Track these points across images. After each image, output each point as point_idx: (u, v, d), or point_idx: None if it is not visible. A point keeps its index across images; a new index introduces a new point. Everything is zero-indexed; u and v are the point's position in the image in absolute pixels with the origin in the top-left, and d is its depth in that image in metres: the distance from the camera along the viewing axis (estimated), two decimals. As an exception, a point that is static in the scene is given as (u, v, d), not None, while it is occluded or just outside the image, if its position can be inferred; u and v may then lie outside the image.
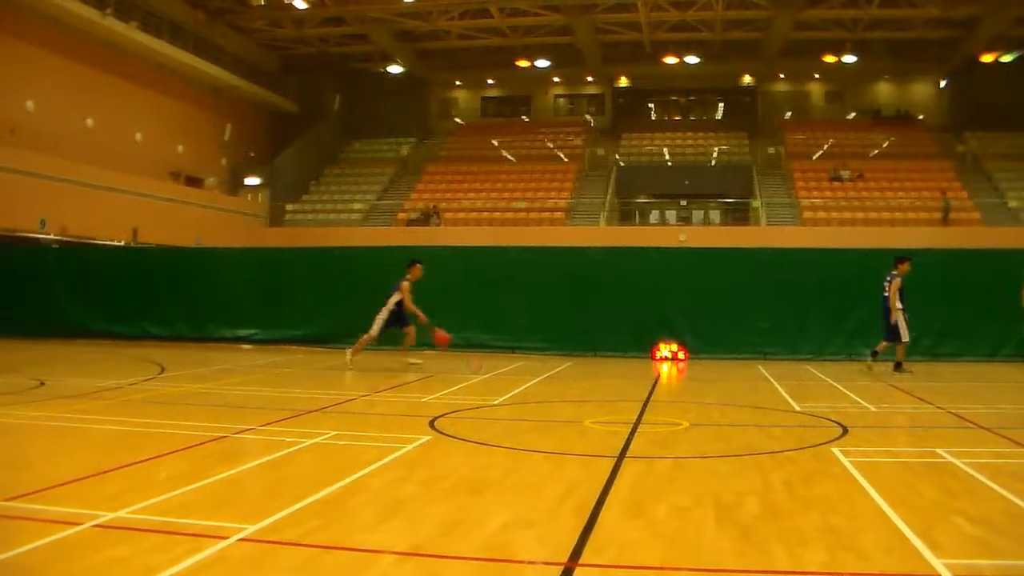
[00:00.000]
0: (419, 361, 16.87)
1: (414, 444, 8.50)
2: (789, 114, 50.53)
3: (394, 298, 16.51)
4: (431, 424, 9.77)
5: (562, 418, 11.04)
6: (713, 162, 46.22)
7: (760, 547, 5.25)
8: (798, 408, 11.68)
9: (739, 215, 41.20)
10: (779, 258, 20.60)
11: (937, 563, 4.88)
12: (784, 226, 37.82)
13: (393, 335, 16.99)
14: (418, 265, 16.79)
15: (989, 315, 18.49)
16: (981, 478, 7.10)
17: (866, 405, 11.94)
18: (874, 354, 16.42)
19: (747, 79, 50.73)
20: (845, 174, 41.62)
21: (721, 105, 52.04)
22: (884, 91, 50.71)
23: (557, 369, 16.89)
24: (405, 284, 16.55)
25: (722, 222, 41.45)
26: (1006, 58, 44.94)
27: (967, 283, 18.95)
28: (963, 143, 44.71)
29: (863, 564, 4.95)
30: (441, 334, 16.41)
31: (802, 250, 22.70)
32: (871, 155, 44.13)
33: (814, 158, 44.31)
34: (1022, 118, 43.54)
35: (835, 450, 8.35)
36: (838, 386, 14.16)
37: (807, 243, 27.95)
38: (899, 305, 16.01)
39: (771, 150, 45.81)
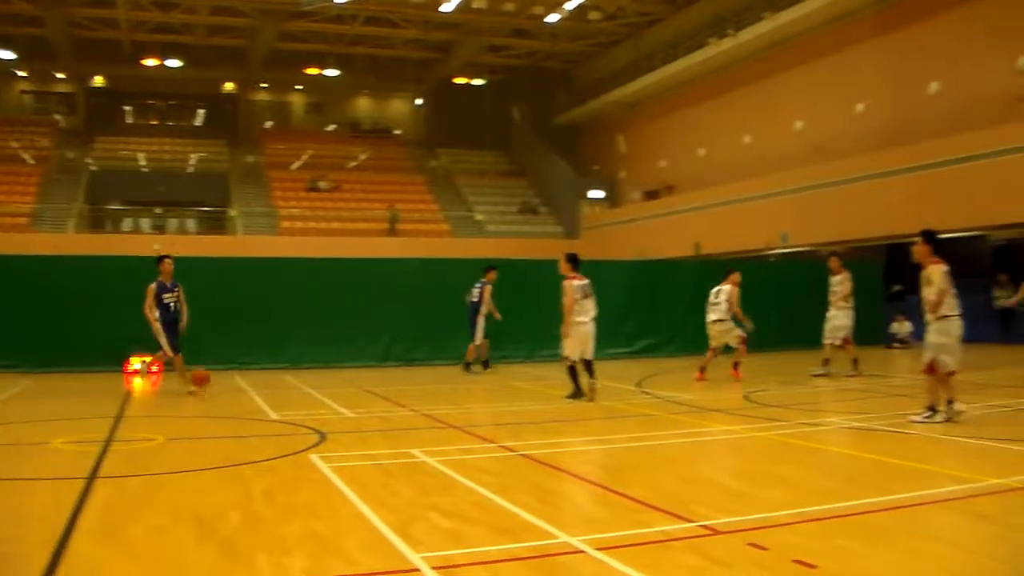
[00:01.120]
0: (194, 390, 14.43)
1: None
2: (270, 124, 50.93)
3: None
4: None
5: (28, 440, 10.01)
6: (191, 170, 45.17)
7: (243, 559, 5.21)
8: (276, 417, 11.68)
9: (216, 224, 40.65)
10: (256, 267, 20.50)
11: (415, 557, 5.14)
12: (262, 235, 37.96)
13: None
14: (166, 260, 14.37)
15: (460, 321, 19.49)
16: (451, 474, 7.61)
17: (342, 411, 12.26)
18: (467, 365, 17.45)
19: (229, 87, 50.34)
20: (323, 185, 42.81)
21: (201, 112, 50.97)
22: (364, 106, 53.12)
23: (17, 388, 15.32)
24: (151, 286, 14.10)
25: (199, 231, 40.59)
26: (477, 81, 49.29)
27: (433, 292, 20.21)
28: (435, 159, 48.16)
29: (347, 566, 5.06)
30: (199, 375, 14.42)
31: (279, 259, 22.70)
32: (349, 167, 45.88)
33: (293, 168, 45.05)
34: (488, 138, 48.31)
35: (314, 456, 8.47)
36: (315, 393, 14.40)
37: (285, 252, 28.13)
38: (483, 310, 17.35)
39: (250, 159, 45.84)
